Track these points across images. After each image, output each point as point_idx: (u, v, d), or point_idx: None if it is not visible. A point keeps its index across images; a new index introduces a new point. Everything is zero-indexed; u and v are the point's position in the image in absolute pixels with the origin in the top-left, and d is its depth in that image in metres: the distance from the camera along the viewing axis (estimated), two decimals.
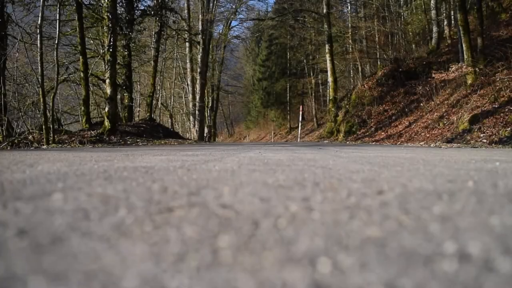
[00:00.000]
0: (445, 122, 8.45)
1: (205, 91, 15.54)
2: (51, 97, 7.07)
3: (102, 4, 8.71)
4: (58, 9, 7.04)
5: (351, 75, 16.24)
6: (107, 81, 8.42)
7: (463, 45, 8.95)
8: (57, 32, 7.03)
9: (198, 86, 13.94)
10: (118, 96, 11.22)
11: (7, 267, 0.25)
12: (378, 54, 15.46)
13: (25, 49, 8.75)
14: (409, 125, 10.16)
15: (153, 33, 13.58)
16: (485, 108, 7.45)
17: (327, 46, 14.03)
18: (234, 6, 17.84)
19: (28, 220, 0.38)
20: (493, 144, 5.49)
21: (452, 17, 12.73)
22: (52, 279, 0.23)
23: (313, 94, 21.38)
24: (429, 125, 9.02)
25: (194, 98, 14.52)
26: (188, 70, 16.03)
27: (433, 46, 13.53)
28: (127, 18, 9.79)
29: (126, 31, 9.80)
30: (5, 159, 1.36)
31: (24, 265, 0.25)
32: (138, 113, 17.26)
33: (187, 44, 15.65)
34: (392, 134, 10.15)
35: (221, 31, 20.12)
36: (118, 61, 9.98)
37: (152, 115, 13.09)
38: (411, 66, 12.80)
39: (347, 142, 9.61)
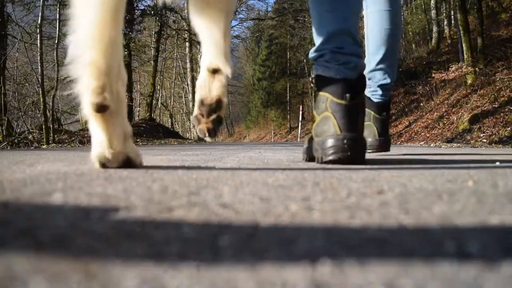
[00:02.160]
0: (445, 122, 8.47)
1: None
2: (51, 97, 7.07)
3: None
4: (58, 9, 7.04)
5: None
6: None
7: (463, 45, 8.95)
8: (57, 32, 7.03)
9: None
10: None
11: (7, 267, 0.25)
12: None
13: (25, 49, 8.75)
14: (409, 125, 10.16)
15: (153, 33, 13.56)
16: (485, 108, 7.49)
17: None
18: None
19: (28, 219, 0.38)
20: (493, 144, 5.52)
21: (452, 17, 12.72)
22: (53, 279, 0.23)
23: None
24: (429, 125, 9.04)
25: (194, 98, 14.51)
26: (188, 70, 16.01)
27: (433, 46, 13.51)
28: (127, 18, 9.77)
29: (126, 31, 9.77)
30: (5, 158, 1.36)
31: (24, 265, 0.25)
32: (138, 113, 17.25)
33: (187, 44, 15.64)
34: (391, 133, 10.14)
35: None
36: None
37: (152, 115, 13.07)
38: (411, 66, 12.79)
39: None
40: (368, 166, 1.07)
